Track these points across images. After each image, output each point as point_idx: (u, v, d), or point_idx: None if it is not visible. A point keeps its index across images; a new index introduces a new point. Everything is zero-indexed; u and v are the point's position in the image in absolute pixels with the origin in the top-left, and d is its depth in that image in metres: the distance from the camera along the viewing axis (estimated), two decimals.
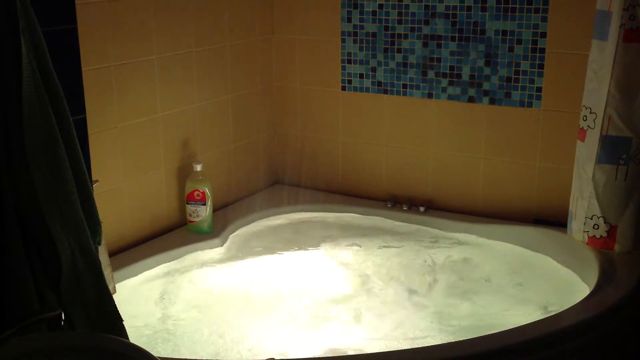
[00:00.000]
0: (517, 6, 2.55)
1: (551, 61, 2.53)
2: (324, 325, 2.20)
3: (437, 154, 2.79)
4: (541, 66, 2.55)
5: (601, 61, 2.22)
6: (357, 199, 2.95)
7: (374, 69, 2.84)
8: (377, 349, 2.03)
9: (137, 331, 2.03)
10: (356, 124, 2.94)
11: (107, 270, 1.68)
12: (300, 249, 2.67)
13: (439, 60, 2.72)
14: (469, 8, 2.63)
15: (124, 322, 1.55)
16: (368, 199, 2.93)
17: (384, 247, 2.65)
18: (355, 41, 2.85)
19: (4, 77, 1.34)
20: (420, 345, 1.98)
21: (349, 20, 2.85)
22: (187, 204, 2.60)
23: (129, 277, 2.29)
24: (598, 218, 2.29)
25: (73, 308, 1.44)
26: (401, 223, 2.77)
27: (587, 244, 2.33)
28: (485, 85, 2.65)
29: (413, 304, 2.29)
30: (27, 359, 1.16)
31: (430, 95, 2.76)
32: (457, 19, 2.65)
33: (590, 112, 2.26)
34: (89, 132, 1.80)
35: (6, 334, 1.19)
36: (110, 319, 1.51)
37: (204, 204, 2.59)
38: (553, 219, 2.58)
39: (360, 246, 2.67)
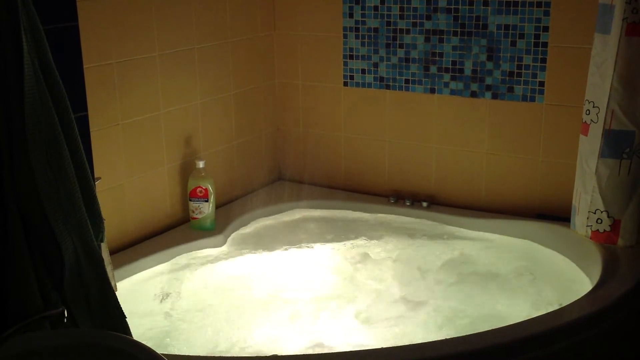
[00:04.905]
0: (519, 0, 2.54)
1: (554, 55, 2.52)
2: (326, 322, 2.20)
3: (440, 149, 2.79)
4: (544, 60, 2.54)
5: (604, 55, 2.22)
6: (359, 195, 2.94)
7: (376, 65, 2.84)
8: (379, 345, 2.02)
9: (139, 328, 2.03)
10: (358, 119, 2.93)
11: (108, 268, 1.67)
12: (302, 245, 2.66)
13: (441, 55, 2.71)
14: (471, 2, 2.62)
15: (127, 319, 1.55)
16: (370, 195, 2.93)
17: (387, 242, 2.65)
18: (357, 37, 2.85)
19: (5, 75, 1.33)
20: (423, 341, 1.98)
21: (351, 15, 2.84)
22: (190, 200, 2.60)
23: (131, 275, 2.30)
24: (601, 212, 2.29)
25: (76, 305, 1.44)
26: (404, 218, 2.77)
27: (591, 238, 2.34)
28: (488, 80, 2.65)
29: (415, 299, 2.29)
30: (31, 356, 1.16)
31: (432, 91, 2.76)
32: (459, 14, 2.65)
33: (593, 106, 2.26)
34: (91, 129, 1.80)
35: (9, 331, 1.19)
36: (114, 316, 1.51)
37: (207, 201, 2.59)
38: (556, 214, 2.57)
39: (362, 242, 2.66)
